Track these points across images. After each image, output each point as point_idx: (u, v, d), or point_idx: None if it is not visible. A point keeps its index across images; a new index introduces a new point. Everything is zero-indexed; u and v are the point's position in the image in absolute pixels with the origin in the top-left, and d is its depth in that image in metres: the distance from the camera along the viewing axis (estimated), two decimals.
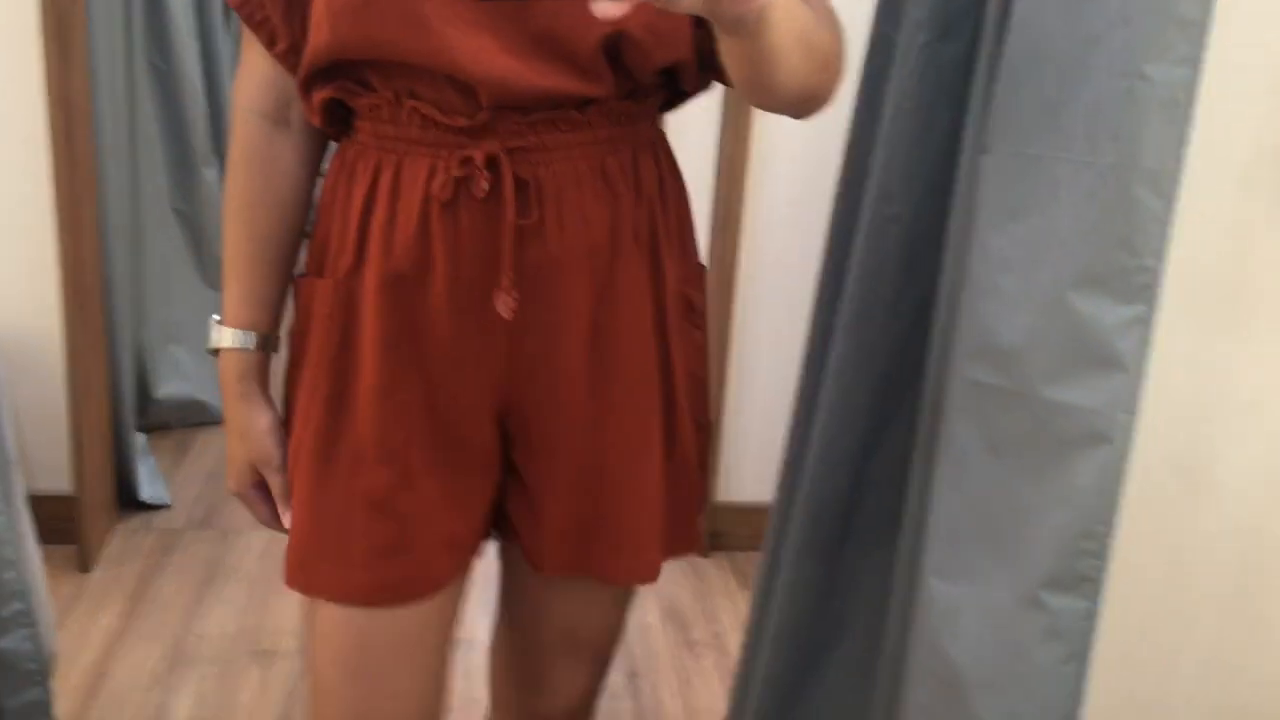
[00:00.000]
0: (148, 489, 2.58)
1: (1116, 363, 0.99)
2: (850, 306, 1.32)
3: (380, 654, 1.06)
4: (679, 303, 1.08)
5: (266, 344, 1.09)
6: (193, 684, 2.01)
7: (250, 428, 1.07)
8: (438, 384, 1.02)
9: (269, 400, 1.09)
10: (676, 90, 1.07)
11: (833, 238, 1.37)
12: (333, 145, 1.10)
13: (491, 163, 0.96)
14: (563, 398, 1.04)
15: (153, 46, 2.73)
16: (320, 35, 0.97)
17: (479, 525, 1.10)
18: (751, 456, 2.56)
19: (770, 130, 2.35)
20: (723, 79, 1.00)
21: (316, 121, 1.03)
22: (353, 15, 0.94)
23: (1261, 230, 1.39)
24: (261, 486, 1.10)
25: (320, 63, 0.98)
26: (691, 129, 3.23)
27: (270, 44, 1.01)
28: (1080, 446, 1.01)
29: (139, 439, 2.65)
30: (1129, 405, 1.00)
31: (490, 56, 0.93)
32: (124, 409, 2.52)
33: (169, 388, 2.92)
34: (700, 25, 0.97)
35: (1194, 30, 0.94)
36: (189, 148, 2.86)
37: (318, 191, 1.10)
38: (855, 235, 1.31)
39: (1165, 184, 0.97)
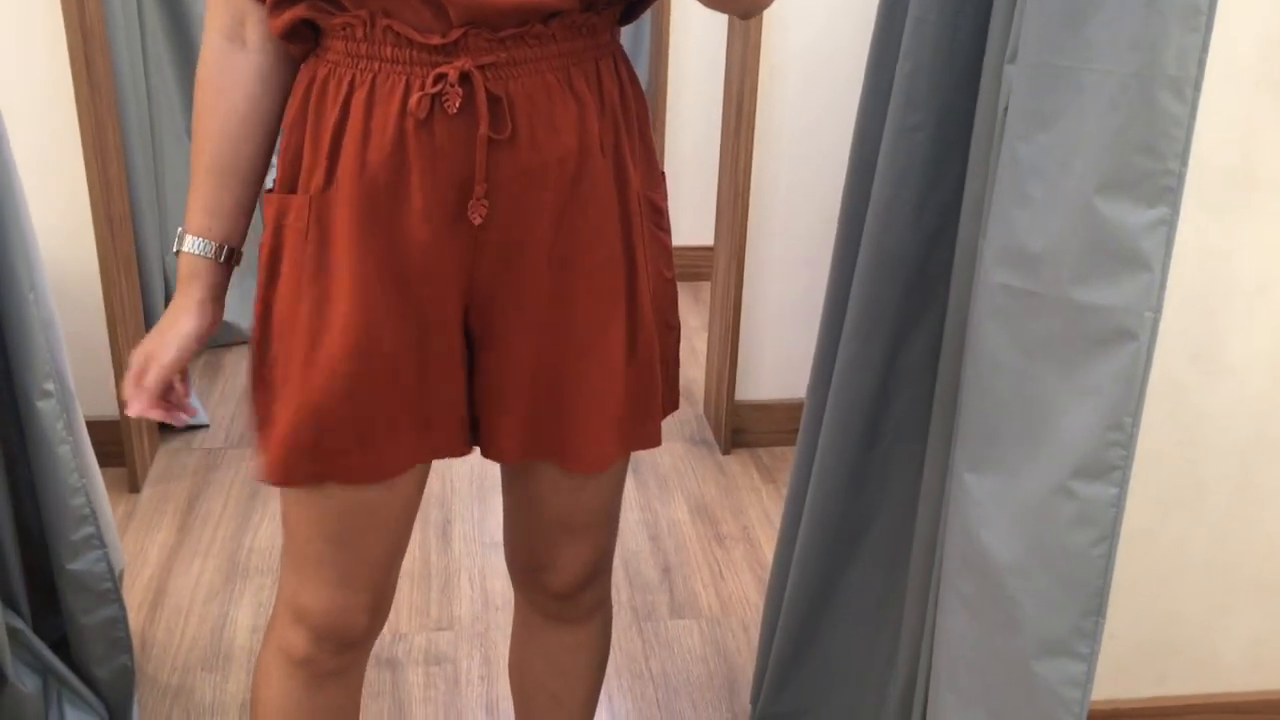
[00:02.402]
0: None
1: (1142, 263, 1.04)
2: (875, 211, 1.36)
3: (361, 523, 1.16)
4: (644, 206, 1.13)
5: (220, 254, 1.13)
6: (249, 594, 2.11)
7: (167, 328, 1.12)
8: (412, 287, 1.07)
9: (205, 310, 1.13)
10: (629, 7, 1.11)
11: (858, 146, 1.41)
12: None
13: (464, 79, 1.01)
14: (527, 296, 1.09)
15: None
16: None
17: (453, 420, 1.15)
18: (769, 355, 2.63)
19: (781, 32, 2.35)
20: None
21: (281, 35, 1.06)
22: None
23: (1266, 121, 1.42)
24: (142, 372, 1.14)
25: None
26: (700, 35, 3.23)
27: None
28: (1108, 344, 1.07)
29: None
30: (1154, 304, 1.05)
31: None
32: None
33: None
34: None
35: None
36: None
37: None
38: (880, 143, 1.35)
39: (1186, 90, 1.01)
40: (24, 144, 2.18)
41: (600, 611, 1.36)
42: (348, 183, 1.03)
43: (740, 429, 2.66)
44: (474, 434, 1.18)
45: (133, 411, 1.14)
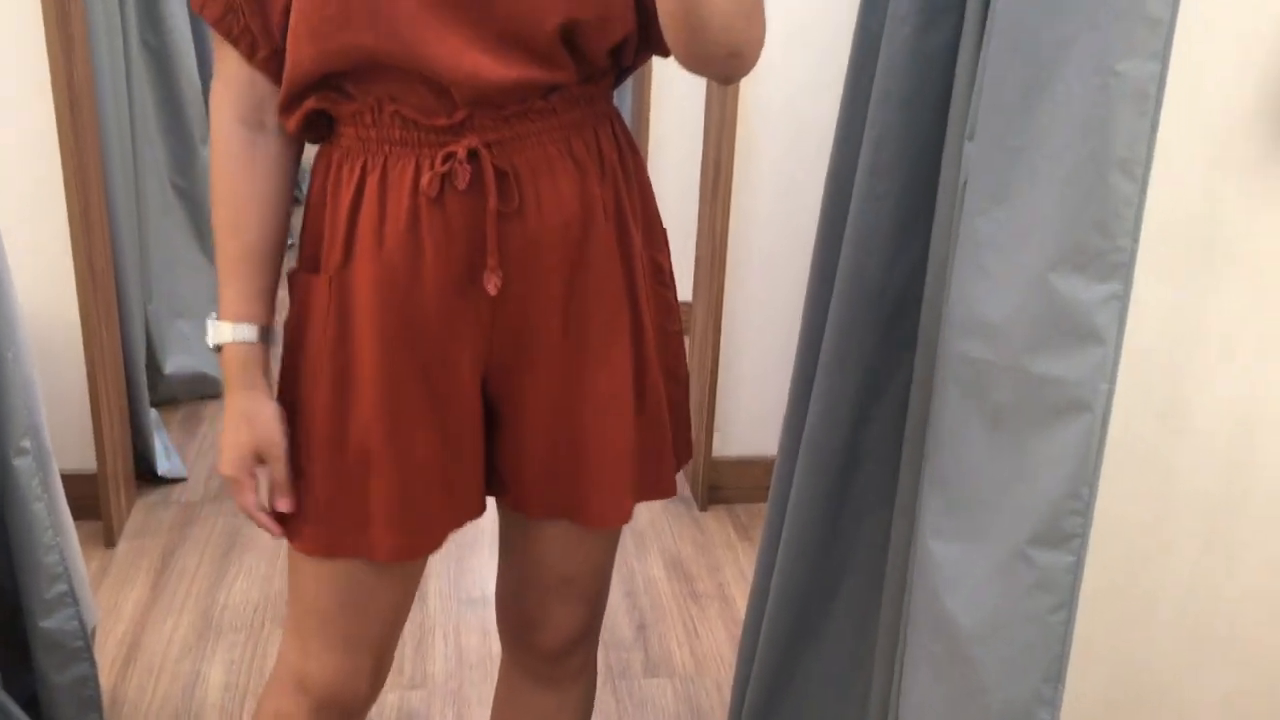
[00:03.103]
0: (164, 463, 2.66)
1: (1096, 337, 1.07)
2: (843, 277, 1.39)
3: (371, 591, 1.18)
4: (647, 266, 1.18)
5: (265, 336, 1.14)
6: (222, 652, 2.10)
7: (258, 415, 1.12)
8: (431, 358, 1.11)
9: (271, 390, 1.15)
10: (620, 68, 1.16)
11: (826, 211, 1.45)
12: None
13: (471, 156, 1.05)
14: (541, 358, 1.14)
15: (146, 24, 2.76)
16: (302, 51, 1.04)
17: (475, 485, 1.19)
18: (746, 411, 2.65)
19: (757, 95, 2.40)
20: (660, 49, 1.10)
21: (295, 130, 1.10)
22: (334, 28, 1.02)
23: (1227, 190, 1.46)
24: (253, 473, 1.15)
25: (303, 79, 1.05)
26: (680, 97, 3.28)
27: (251, 54, 1.07)
28: (1064, 415, 1.09)
29: (152, 414, 2.72)
30: (1108, 376, 1.08)
31: (460, 54, 1.02)
32: (139, 386, 2.59)
33: (176, 362, 2.99)
34: (639, 3, 1.07)
35: (1161, 28, 1.00)
36: (185, 124, 2.90)
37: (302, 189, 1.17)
38: (847, 211, 1.38)
39: (1137, 170, 1.04)
40: (7, 195, 2.21)
41: (585, 675, 1.37)
42: (366, 260, 1.07)
43: (717, 485, 2.68)
44: (488, 487, 1.22)
45: (285, 507, 1.13)
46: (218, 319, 1.13)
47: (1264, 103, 1.40)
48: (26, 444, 1.59)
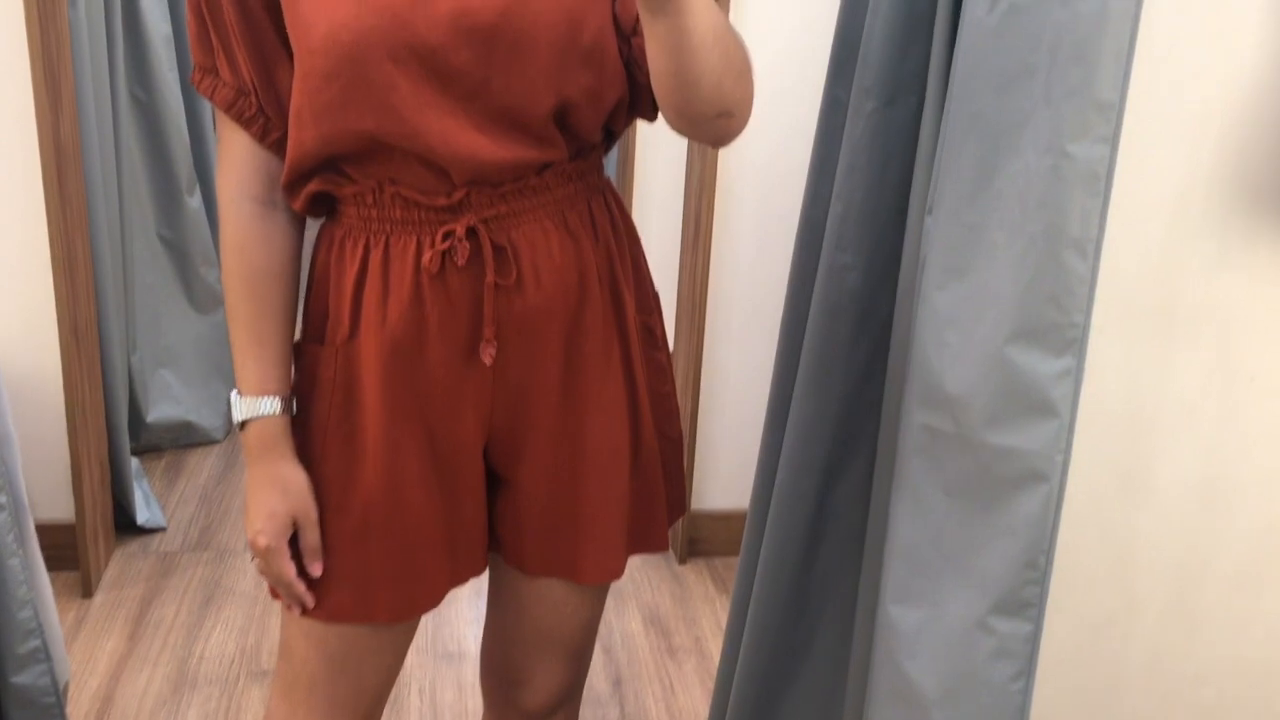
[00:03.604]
0: (144, 513, 2.66)
1: (1051, 410, 1.10)
2: (810, 347, 1.42)
3: (364, 653, 1.20)
4: (639, 331, 1.22)
5: (288, 406, 1.15)
6: (197, 705, 2.10)
7: (291, 482, 1.13)
8: (435, 425, 1.14)
9: (298, 461, 1.15)
10: (609, 135, 1.20)
11: (794, 281, 1.47)
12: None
13: (470, 233, 1.09)
14: (540, 421, 1.17)
15: (134, 79, 2.80)
16: (305, 135, 1.06)
17: (477, 544, 1.22)
18: (724, 466, 2.67)
19: (737, 153, 2.44)
20: (647, 114, 1.14)
21: (300, 209, 1.13)
22: (337, 112, 1.05)
23: (1185, 255, 1.49)
24: (287, 543, 1.16)
25: (306, 161, 1.08)
26: (661, 158, 3.32)
27: (263, 136, 1.10)
28: (1021, 486, 1.12)
29: (133, 463, 2.73)
30: (1063, 448, 1.10)
31: (458, 136, 1.06)
32: (120, 436, 2.60)
33: (159, 411, 3.00)
34: (630, 72, 1.10)
35: (1111, 112, 1.04)
36: (172, 176, 2.93)
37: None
38: (814, 280, 1.41)
39: (1089, 248, 1.07)
40: None
41: None
42: (371, 334, 1.11)
43: (696, 538, 2.69)
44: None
45: (317, 572, 1.15)
46: (240, 394, 1.13)
47: (1221, 168, 1.43)
48: (2, 499, 1.60)
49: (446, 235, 1.08)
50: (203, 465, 3.01)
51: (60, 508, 2.40)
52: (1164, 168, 1.41)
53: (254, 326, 1.12)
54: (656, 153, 3.32)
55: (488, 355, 1.12)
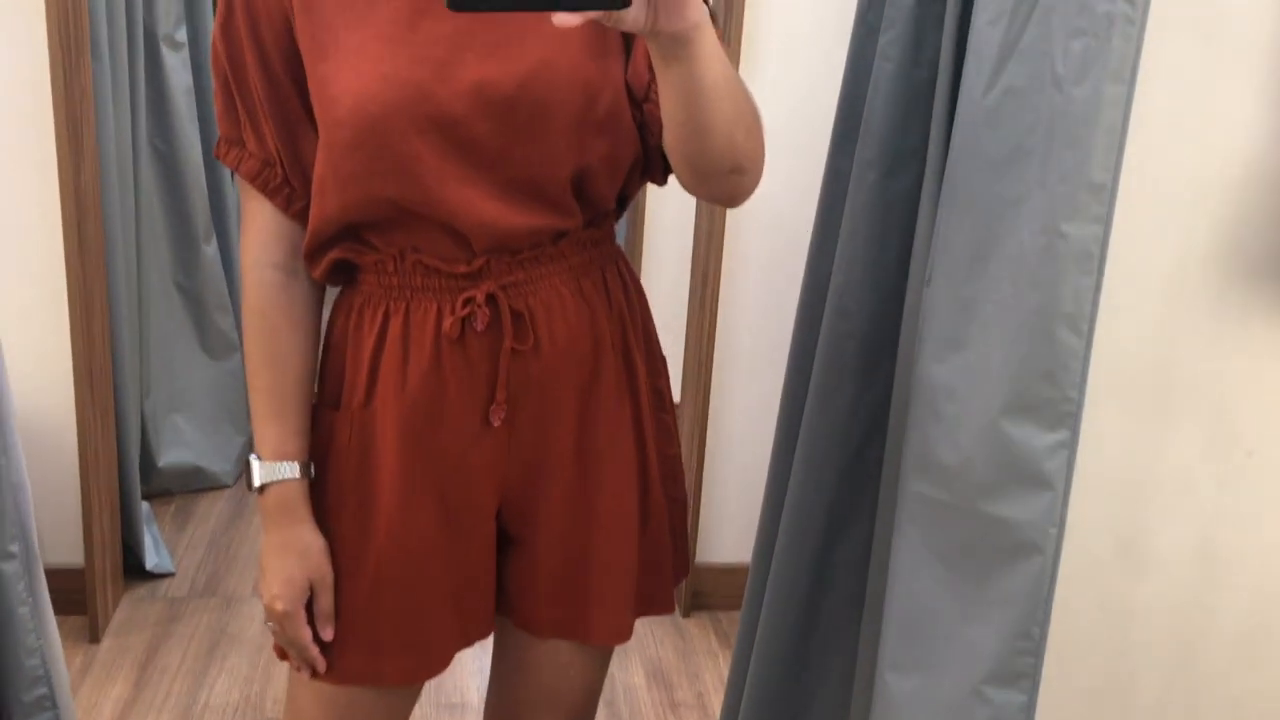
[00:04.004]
0: (153, 557, 2.68)
1: (1045, 482, 1.11)
2: (810, 412, 1.44)
3: (372, 712, 1.22)
4: (649, 394, 1.24)
5: (307, 470, 1.16)
6: None
7: (309, 547, 1.15)
8: (450, 488, 1.16)
9: (317, 525, 1.16)
10: (621, 202, 1.22)
11: (796, 346, 1.49)
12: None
13: (490, 299, 1.11)
14: (553, 484, 1.19)
15: (155, 130, 2.85)
16: (329, 203, 1.09)
17: (486, 606, 1.24)
18: (729, 519, 2.68)
19: (743, 216, 2.47)
20: (657, 177, 1.17)
21: (319, 277, 1.15)
22: (361, 181, 1.08)
23: (1182, 328, 1.51)
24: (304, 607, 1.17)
25: (329, 229, 1.11)
26: (670, 215, 3.37)
27: (288, 206, 1.13)
28: (1015, 557, 1.13)
29: (143, 507, 2.75)
30: (1057, 520, 1.12)
31: (479, 204, 1.09)
32: (131, 481, 2.62)
33: (171, 455, 3.03)
34: (641, 136, 1.12)
35: (1104, 193, 1.06)
36: (190, 225, 2.98)
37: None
38: (816, 346, 1.43)
39: (1082, 325, 1.09)
40: (10, 296, 2.27)
41: None
42: (390, 398, 1.13)
43: (700, 592, 2.69)
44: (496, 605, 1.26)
45: (329, 635, 1.16)
46: (259, 459, 1.14)
47: (1216, 244, 1.46)
48: (14, 548, 1.62)
49: (467, 301, 1.10)
50: (212, 510, 3.04)
51: (70, 552, 2.42)
52: (1160, 244, 1.43)
53: (274, 392, 1.14)
54: (665, 210, 3.36)
55: (497, 418, 1.14)
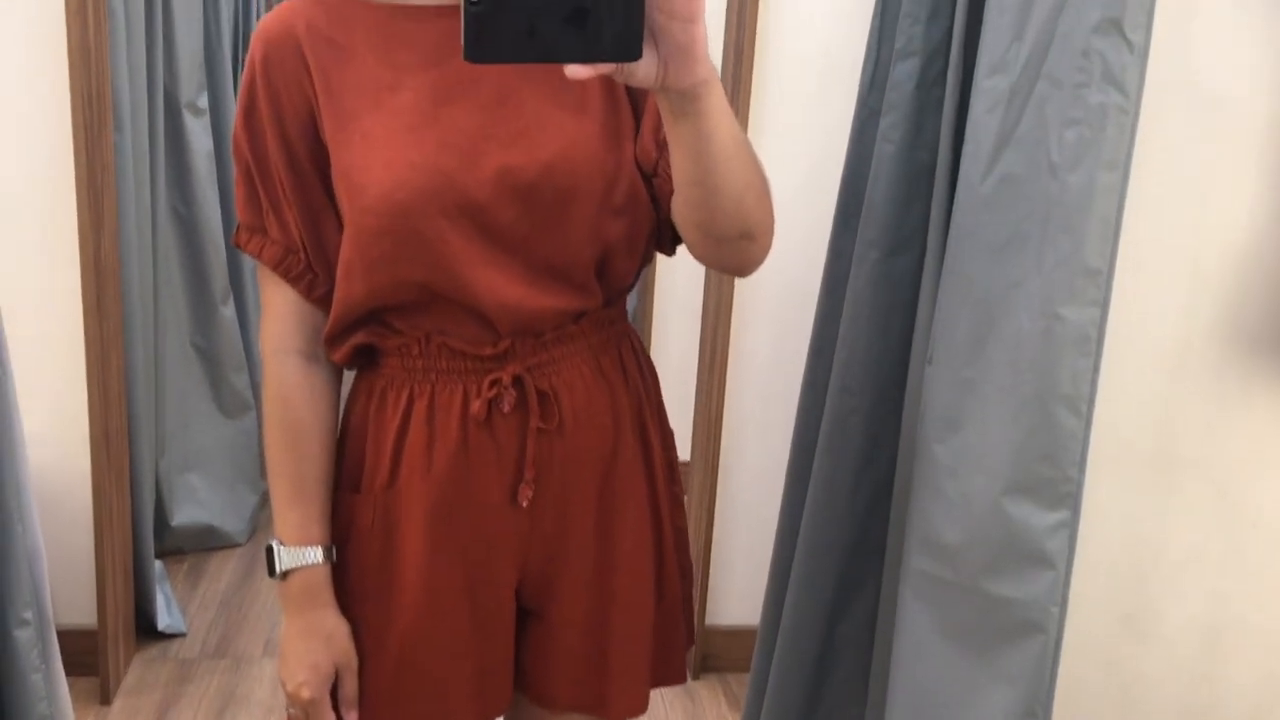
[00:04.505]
0: (165, 618, 2.69)
1: (1046, 562, 1.12)
2: (815, 486, 1.45)
3: None
4: (663, 468, 1.25)
5: (329, 555, 1.16)
6: None
7: (335, 632, 1.15)
8: (473, 568, 1.17)
9: (339, 611, 1.16)
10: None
11: (800, 420, 1.51)
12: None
13: (516, 380, 1.13)
14: (575, 561, 1.19)
15: (175, 194, 2.90)
16: (354, 288, 1.11)
17: (504, 682, 1.24)
18: (739, 581, 2.67)
19: (751, 282, 2.50)
20: (666, 247, 1.18)
21: (341, 361, 1.16)
22: (389, 266, 1.09)
23: (1184, 404, 1.52)
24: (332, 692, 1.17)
25: (353, 313, 1.12)
26: (678, 283, 3.41)
27: (309, 292, 1.14)
28: (1018, 635, 1.14)
29: (156, 566, 2.77)
30: (1059, 599, 1.13)
31: (505, 288, 1.10)
32: (145, 541, 2.64)
33: (185, 514, 3.05)
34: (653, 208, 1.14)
35: (1100, 278, 1.08)
36: (208, 286, 3.02)
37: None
38: (820, 422, 1.45)
39: (1081, 406, 1.11)
40: (30, 357, 2.30)
41: None
42: (415, 481, 1.13)
43: (710, 654, 2.69)
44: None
45: (354, 719, 1.17)
46: (282, 544, 1.14)
47: (1218, 320, 1.47)
48: (28, 615, 1.64)
49: (493, 384, 1.11)
50: (224, 569, 3.05)
51: (82, 613, 2.43)
52: (1162, 320, 1.45)
53: (296, 478, 1.14)
54: (674, 277, 3.40)
55: (525, 498, 1.15)
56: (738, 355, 2.55)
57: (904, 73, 1.29)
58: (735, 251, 1.08)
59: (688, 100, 0.88)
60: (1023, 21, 1.10)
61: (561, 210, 1.09)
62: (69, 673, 1.86)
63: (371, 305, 1.12)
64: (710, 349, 2.57)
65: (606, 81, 1.07)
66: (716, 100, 0.91)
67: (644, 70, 0.82)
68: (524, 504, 1.15)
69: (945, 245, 1.20)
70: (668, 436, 1.28)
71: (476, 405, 1.11)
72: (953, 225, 1.18)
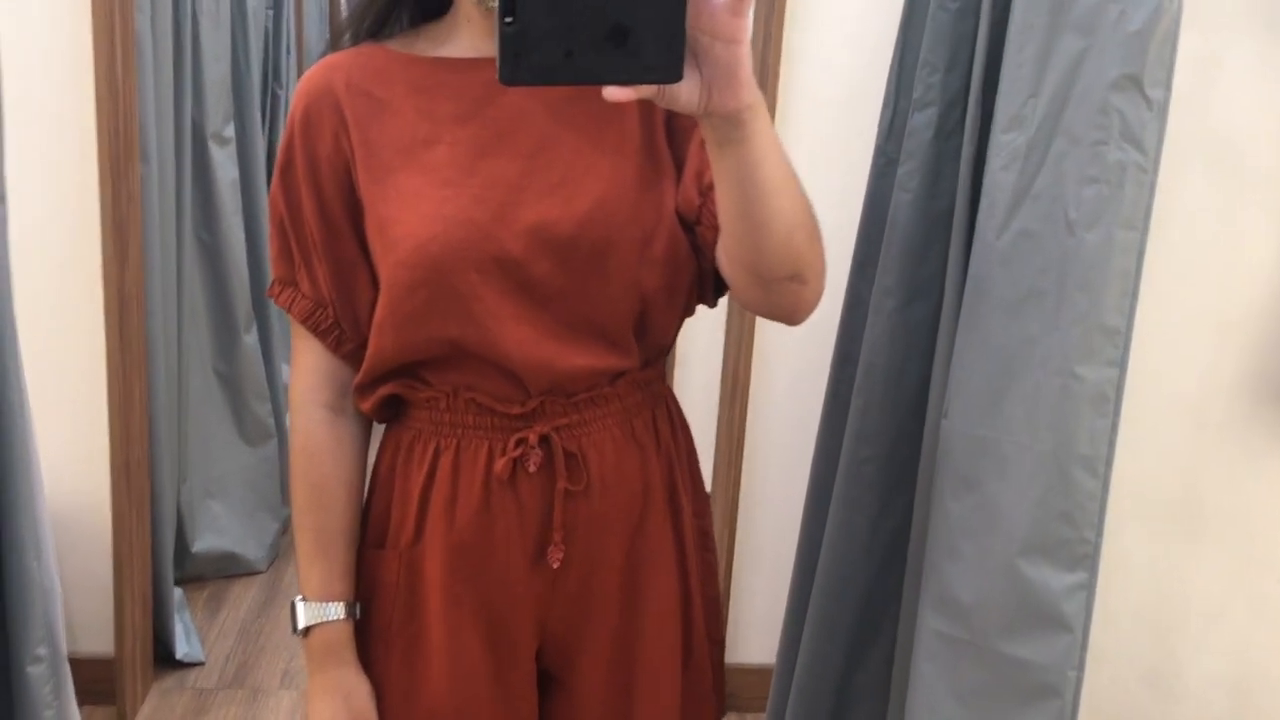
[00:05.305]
0: (183, 646, 2.69)
1: (1063, 624, 1.10)
2: (830, 534, 1.43)
3: None
4: (694, 535, 1.22)
5: (352, 611, 1.14)
6: None
7: (355, 690, 1.13)
8: (496, 628, 1.14)
9: (361, 668, 1.15)
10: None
11: (816, 466, 1.49)
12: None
13: (543, 440, 1.09)
14: (598, 626, 1.16)
15: (200, 222, 2.92)
16: (386, 341, 1.09)
17: None
18: (759, 619, 2.64)
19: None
20: (708, 298, 1.14)
21: (369, 412, 1.14)
22: (421, 319, 1.06)
23: (1208, 458, 1.50)
24: None
25: (385, 366, 1.10)
26: (701, 312, 3.39)
27: (338, 347, 1.13)
28: (1034, 699, 1.12)
29: (176, 594, 2.77)
30: (1076, 663, 1.10)
31: (537, 345, 1.07)
32: (165, 570, 2.65)
33: (206, 541, 3.05)
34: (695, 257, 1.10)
35: (1118, 337, 1.06)
36: (231, 314, 3.03)
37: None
38: (835, 471, 1.43)
39: (1099, 467, 1.09)
40: (51, 389, 2.31)
41: None
42: (437, 538, 1.10)
43: (730, 693, 2.65)
44: None
45: None
46: (304, 600, 1.13)
47: (1243, 372, 1.45)
48: (41, 651, 1.64)
49: (519, 442, 1.09)
50: (244, 596, 3.05)
51: (100, 641, 2.44)
52: (1186, 373, 1.43)
53: (320, 533, 1.13)
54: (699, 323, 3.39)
55: (555, 559, 1.12)
56: (759, 388, 2.53)
57: (922, 122, 1.27)
58: (785, 295, 1.02)
59: (732, 126, 0.83)
60: (1040, 76, 1.08)
61: (598, 263, 1.06)
62: (86, 702, 1.86)
63: (403, 360, 1.10)
64: (731, 381, 2.56)
65: (646, 124, 1.05)
66: (763, 127, 0.86)
67: (686, 93, 0.77)
68: (555, 566, 1.12)
69: (961, 297, 1.19)
70: (700, 502, 1.24)
71: (500, 464, 1.08)
72: (969, 279, 1.17)
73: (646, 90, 0.74)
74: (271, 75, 3.48)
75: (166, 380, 2.71)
